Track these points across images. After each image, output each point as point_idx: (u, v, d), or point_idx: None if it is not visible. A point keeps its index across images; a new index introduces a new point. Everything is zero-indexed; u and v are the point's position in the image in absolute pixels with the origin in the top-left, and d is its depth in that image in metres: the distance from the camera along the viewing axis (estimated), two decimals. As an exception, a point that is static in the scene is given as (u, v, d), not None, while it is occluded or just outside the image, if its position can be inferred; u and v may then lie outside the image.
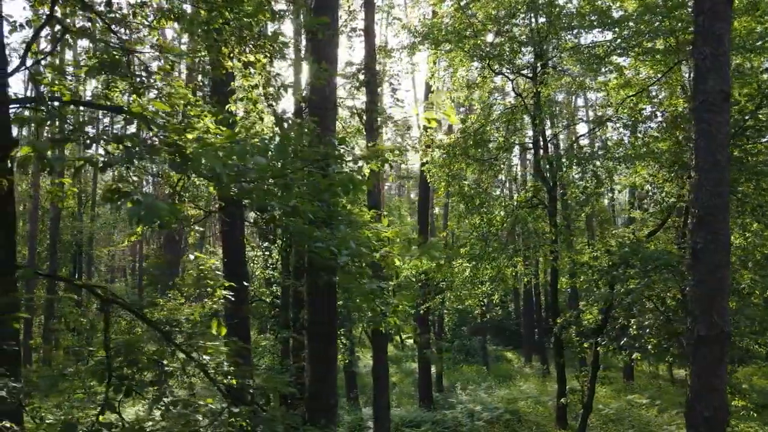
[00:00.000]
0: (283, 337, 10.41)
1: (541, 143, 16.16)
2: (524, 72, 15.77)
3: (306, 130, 4.29)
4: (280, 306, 11.69)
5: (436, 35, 13.88)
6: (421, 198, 19.91)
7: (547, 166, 15.09)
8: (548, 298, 31.97)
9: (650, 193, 12.87)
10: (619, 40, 13.78)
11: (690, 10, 13.27)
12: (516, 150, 20.08)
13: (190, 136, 3.44)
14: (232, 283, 4.43)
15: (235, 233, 7.77)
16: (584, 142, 16.24)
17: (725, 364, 6.91)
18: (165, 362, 3.67)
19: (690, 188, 12.14)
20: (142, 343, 3.64)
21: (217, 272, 4.33)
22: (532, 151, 16.66)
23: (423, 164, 16.82)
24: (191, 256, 5.14)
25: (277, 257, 12.93)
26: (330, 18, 5.76)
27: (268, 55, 5.16)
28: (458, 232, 20.80)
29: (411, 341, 33.86)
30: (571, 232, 14.57)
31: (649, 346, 10.19)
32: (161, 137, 3.40)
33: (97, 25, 6.66)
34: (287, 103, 21.25)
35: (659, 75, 14.20)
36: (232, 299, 6.44)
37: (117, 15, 6.38)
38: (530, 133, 22.44)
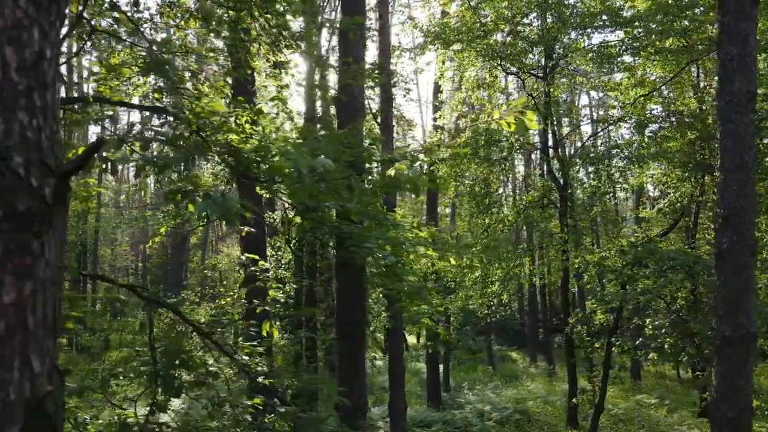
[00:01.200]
0: (297, 338, 10.42)
1: (551, 143, 16.16)
2: (534, 72, 15.78)
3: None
4: (293, 306, 11.69)
5: (448, 35, 13.87)
6: (429, 198, 19.90)
7: (557, 166, 15.10)
8: (550, 298, 31.94)
9: (663, 193, 12.84)
10: (630, 40, 13.78)
11: (702, 9, 13.33)
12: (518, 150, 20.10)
13: (234, 137, 3.43)
14: (281, 285, 4.41)
15: (256, 234, 7.75)
16: (590, 142, 16.15)
17: (750, 364, 6.91)
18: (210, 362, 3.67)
19: (716, 189, 12.19)
20: (185, 343, 3.64)
21: (267, 274, 4.33)
22: (540, 151, 16.64)
23: (431, 164, 16.82)
24: (243, 257, 5.13)
25: (289, 257, 12.94)
26: (361, 18, 5.77)
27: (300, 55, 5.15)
28: (462, 233, 20.76)
29: (413, 341, 33.92)
30: (582, 232, 14.56)
31: (666, 346, 10.18)
32: (209, 139, 3.39)
33: (123, 25, 6.66)
34: (296, 103, 21.22)
35: (670, 75, 14.21)
36: (253, 300, 6.45)
37: (144, 15, 6.38)
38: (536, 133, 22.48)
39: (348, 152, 3.67)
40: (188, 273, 30.91)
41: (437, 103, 17.74)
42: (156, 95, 4.26)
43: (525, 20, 14.36)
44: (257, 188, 3.16)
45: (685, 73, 13.95)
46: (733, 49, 6.68)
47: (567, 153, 18.46)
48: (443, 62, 16.96)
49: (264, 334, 3.89)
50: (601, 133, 16.48)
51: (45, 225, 1.92)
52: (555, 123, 14.68)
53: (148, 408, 3.40)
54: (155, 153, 3.62)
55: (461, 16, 15.25)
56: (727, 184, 6.73)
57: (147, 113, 5.71)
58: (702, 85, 15.09)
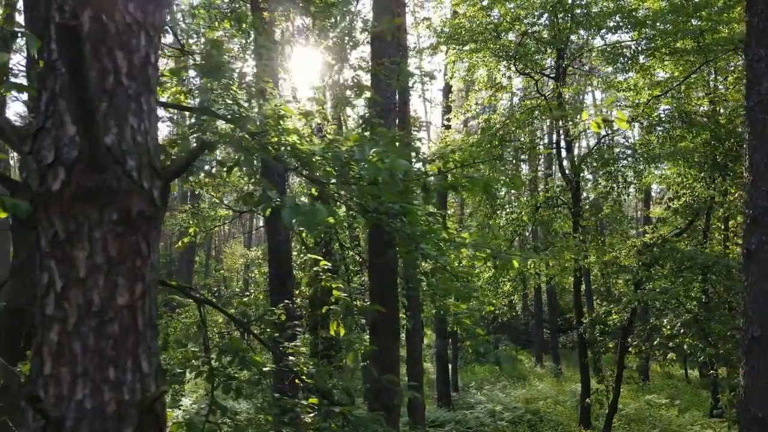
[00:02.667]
0: (315, 339, 10.43)
1: (563, 143, 16.17)
2: (546, 72, 15.80)
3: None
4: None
5: (462, 35, 13.89)
6: (439, 195, 19.91)
7: (569, 167, 15.11)
8: (554, 299, 31.93)
9: (677, 193, 12.86)
10: (644, 40, 13.80)
11: (716, 9, 13.33)
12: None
13: (292, 138, 3.45)
14: (340, 285, 4.45)
15: (279, 235, 7.77)
16: (605, 141, 16.15)
17: (779, 364, 6.93)
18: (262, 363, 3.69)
19: (732, 189, 12.26)
20: (238, 343, 3.66)
21: (325, 274, 4.34)
22: (555, 151, 16.66)
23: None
24: (306, 257, 5.12)
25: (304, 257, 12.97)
26: (400, 18, 5.81)
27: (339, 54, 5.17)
28: (474, 233, 20.76)
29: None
30: (593, 231, 14.57)
31: (685, 346, 10.19)
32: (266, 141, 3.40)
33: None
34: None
35: (682, 76, 14.22)
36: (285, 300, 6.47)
37: (176, 16, 6.40)
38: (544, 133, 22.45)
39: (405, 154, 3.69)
40: (194, 273, 30.85)
41: (449, 104, 17.76)
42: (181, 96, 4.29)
43: (538, 20, 14.36)
44: (324, 189, 3.16)
45: (697, 73, 13.96)
46: (762, 51, 6.68)
47: (578, 153, 18.48)
48: (453, 62, 16.98)
49: (332, 334, 3.90)
50: (609, 133, 16.45)
51: (152, 227, 1.94)
52: (569, 123, 14.67)
53: (205, 407, 3.41)
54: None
55: (473, 16, 15.27)
56: (756, 185, 6.73)
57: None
58: (713, 85, 15.11)
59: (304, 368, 4.07)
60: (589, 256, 14.04)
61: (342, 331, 3.88)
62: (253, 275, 16.93)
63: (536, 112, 16.03)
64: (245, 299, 8.73)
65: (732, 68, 14.97)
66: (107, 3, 1.85)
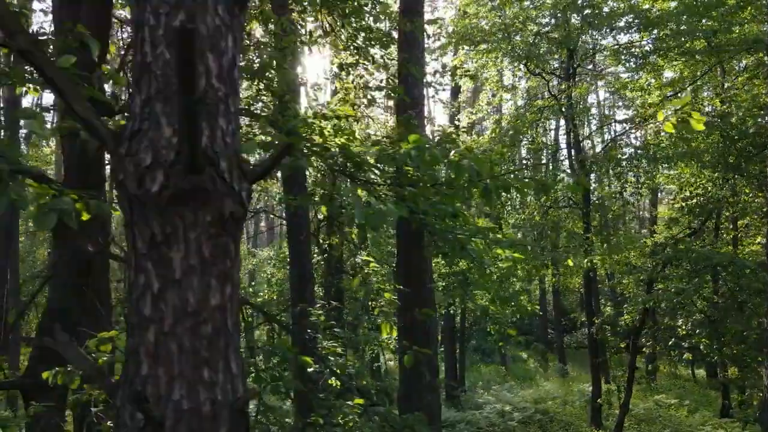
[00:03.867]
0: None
1: (573, 143, 16.19)
2: (557, 72, 15.81)
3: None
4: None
5: (475, 35, 13.90)
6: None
7: (580, 167, 15.12)
8: (558, 299, 31.92)
9: (692, 193, 12.86)
10: (656, 40, 13.81)
11: (727, 9, 13.34)
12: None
13: (339, 140, 3.45)
14: (399, 286, 4.44)
15: (300, 237, 7.79)
16: (620, 141, 16.17)
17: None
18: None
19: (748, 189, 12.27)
20: (286, 344, 3.67)
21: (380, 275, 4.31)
22: (565, 151, 16.66)
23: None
24: (358, 259, 5.11)
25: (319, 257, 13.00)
26: (421, 19, 5.81)
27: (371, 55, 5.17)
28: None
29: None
30: (608, 232, 14.59)
31: (701, 347, 10.20)
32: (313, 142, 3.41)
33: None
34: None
35: (693, 75, 14.24)
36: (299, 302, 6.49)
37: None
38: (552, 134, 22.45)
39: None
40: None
41: (459, 104, 17.77)
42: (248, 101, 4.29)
43: (551, 21, 14.38)
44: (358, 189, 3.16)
45: (709, 73, 13.98)
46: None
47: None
48: (461, 63, 16.99)
49: (384, 335, 3.92)
50: (619, 134, 16.51)
51: (239, 229, 1.96)
52: (577, 124, 14.70)
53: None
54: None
55: (484, 16, 15.29)
56: (781, 185, 6.78)
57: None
58: (726, 86, 15.11)
59: (343, 369, 4.08)
60: (598, 255, 14.05)
61: (394, 333, 3.89)
62: (265, 275, 16.94)
63: (545, 113, 16.06)
64: (260, 299, 8.73)
65: (743, 68, 14.98)
66: (199, 6, 1.86)
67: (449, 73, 15.34)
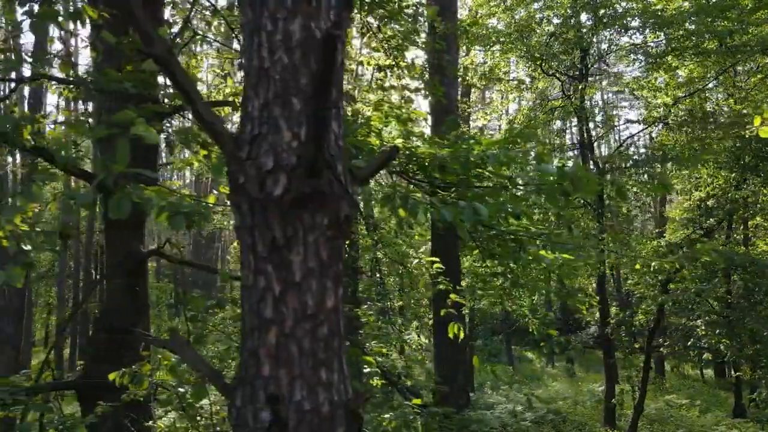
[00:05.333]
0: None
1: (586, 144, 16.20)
2: (569, 73, 15.83)
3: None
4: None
5: (490, 35, 13.92)
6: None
7: (594, 167, 15.14)
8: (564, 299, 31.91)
9: (709, 194, 12.89)
10: (670, 40, 13.83)
11: (742, 10, 13.36)
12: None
13: (398, 141, 3.47)
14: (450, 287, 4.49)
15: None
16: (635, 141, 16.24)
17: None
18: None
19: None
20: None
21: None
22: (578, 151, 16.67)
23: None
24: (422, 259, 5.15)
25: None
26: (453, 21, 5.83)
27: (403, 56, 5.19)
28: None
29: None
30: (625, 231, 14.60)
31: (722, 347, 10.22)
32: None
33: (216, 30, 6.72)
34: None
35: (707, 76, 14.27)
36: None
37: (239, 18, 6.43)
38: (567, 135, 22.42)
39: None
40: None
41: (470, 104, 17.78)
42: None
43: (566, 21, 14.39)
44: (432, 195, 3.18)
45: (724, 74, 14.00)
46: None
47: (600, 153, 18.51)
48: (471, 62, 17.00)
49: (450, 336, 3.94)
50: (633, 135, 16.56)
51: (349, 230, 1.98)
52: (592, 124, 14.73)
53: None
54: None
55: (498, 16, 15.32)
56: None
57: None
58: (740, 86, 15.12)
59: (393, 369, 4.10)
60: (612, 255, 14.06)
61: (461, 334, 3.91)
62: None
63: (556, 113, 16.08)
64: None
65: (756, 69, 15.00)
66: (314, 11, 1.88)
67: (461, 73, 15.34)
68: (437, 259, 4.05)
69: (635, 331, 13.84)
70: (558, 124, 18.20)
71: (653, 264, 12.45)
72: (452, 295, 4.09)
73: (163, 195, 1.94)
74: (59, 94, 6.79)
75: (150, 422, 4.52)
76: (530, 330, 5.02)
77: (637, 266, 12.23)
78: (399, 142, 3.55)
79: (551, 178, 2.52)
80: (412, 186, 3.52)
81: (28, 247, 1.90)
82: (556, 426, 16.82)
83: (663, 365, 23.13)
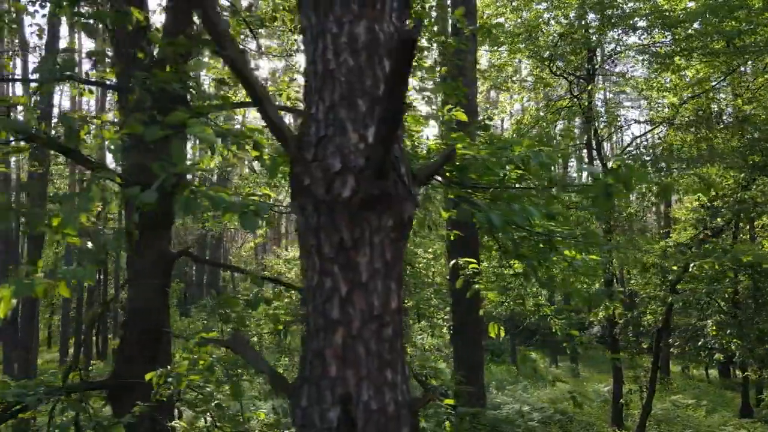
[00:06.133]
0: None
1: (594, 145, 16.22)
2: (576, 74, 15.84)
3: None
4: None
5: (498, 35, 13.92)
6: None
7: (601, 167, 15.14)
8: (568, 299, 31.95)
9: (718, 194, 12.88)
10: (679, 42, 13.84)
11: (751, 10, 13.37)
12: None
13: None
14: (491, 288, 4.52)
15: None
16: (640, 142, 16.24)
17: None
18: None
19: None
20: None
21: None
22: (585, 151, 16.68)
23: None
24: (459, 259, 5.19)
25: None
26: (473, 21, 5.85)
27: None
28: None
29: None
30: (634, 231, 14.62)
31: (733, 347, 10.22)
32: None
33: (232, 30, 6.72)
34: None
35: (714, 76, 14.27)
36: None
37: (258, 19, 6.44)
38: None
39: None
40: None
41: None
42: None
43: (576, 21, 14.40)
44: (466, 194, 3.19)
45: (733, 74, 14.01)
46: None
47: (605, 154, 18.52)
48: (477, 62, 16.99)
49: (492, 335, 3.94)
50: (642, 134, 16.56)
51: (410, 232, 1.99)
52: (602, 124, 14.74)
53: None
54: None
55: (506, 16, 15.33)
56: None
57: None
58: (747, 86, 15.12)
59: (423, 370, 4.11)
60: (620, 253, 14.07)
61: (503, 333, 3.92)
62: (291, 277, 16.98)
63: (563, 113, 16.10)
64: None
65: (764, 69, 15.00)
66: (379, 14, 1.89)
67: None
68: (473, 261, 4.05)
69: (642, 332, 13.85)
70: (559, 124, 18.21)
71: (664, 264, 12.47)
72: (490, 294, 4.09)
73: (227, 194, 1.95)
74: (80, 94, 6.81)
75: (174, 422, 4.53)
76: (553, 330, 5.02)
77: (651, 259, 12.23)
78: (435, 142, 3.55)
79: (600, 178, 2.53)
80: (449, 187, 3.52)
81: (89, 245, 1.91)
82: (563, 426, 16.83)
83: (668, 365, 23.11)
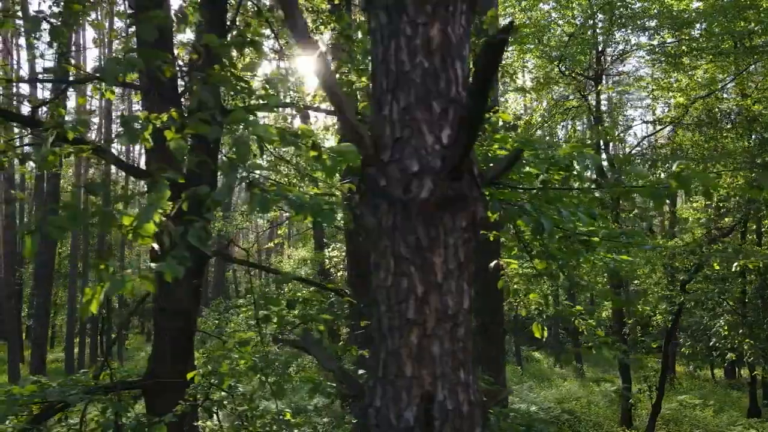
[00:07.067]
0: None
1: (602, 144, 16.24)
2: (585, 74, 15.87)
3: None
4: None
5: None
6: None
7: (608, 167, 15.16)
8: (571, 298, 32.02)
9: (728, 195, 12.92)
10: (688, 42, 13.88)
11: (761, 10, 13.38)
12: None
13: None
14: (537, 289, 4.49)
15: (360, 238, 7.83)
16: (648, 142, 16.29)
17: None
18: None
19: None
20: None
21: None
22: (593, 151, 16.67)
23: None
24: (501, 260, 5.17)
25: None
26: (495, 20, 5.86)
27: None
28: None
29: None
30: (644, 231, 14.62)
31: (745, 346, 10.24)
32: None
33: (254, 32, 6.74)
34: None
35: (723, 76, 14.30)
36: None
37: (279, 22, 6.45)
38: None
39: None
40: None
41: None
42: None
43: (586, 22, 14.44)
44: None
45: (743, 74, 14.04)
46: None
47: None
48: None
49: (537, 335, 3.96)
50: (649, 134, 16.60)
51: (480, 232, 2.00)
52: (614, 124, 14.78)
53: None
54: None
55: (515, 16, 15.35)
56: None
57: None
58: (754, 86, 15.14)
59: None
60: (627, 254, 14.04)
61: (545, 334, 3.94)
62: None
63: (570, 113, 16.13)
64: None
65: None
66: (450, 16, 1.91)
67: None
68: (514, 261, 4.07)
69: (652, 332, 13.88)
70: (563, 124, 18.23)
71: (674, 264, 12.49)
72: (532, 295, 4.10)
73: (306, 193, 1.97)
74: (101, 95, 6.82)
75: (202, 422, 4.55)
76: (580, 331, 5.02)
77: (660, 260, 12.26)
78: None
79: (649, 178, 2.54)
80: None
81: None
82: (572, 426, 16.83)
83: (674, 365, 23.12)
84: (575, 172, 3.07)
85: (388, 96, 1.90)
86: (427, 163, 1.83)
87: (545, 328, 3.92)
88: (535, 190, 3.13)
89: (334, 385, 3.50)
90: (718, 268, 11.35)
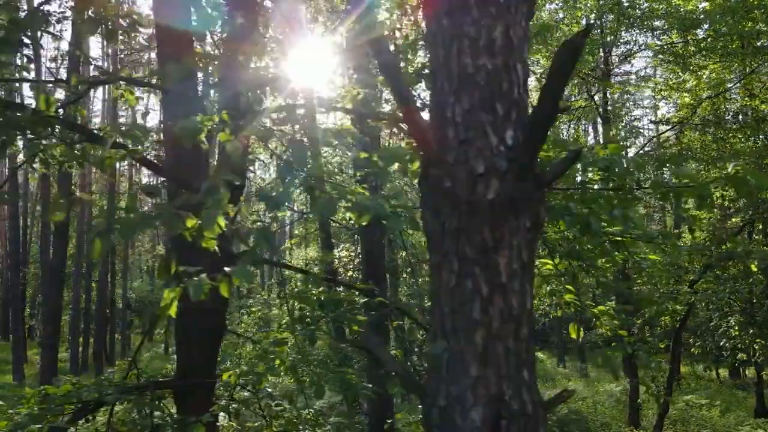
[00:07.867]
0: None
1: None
2: (592, 74, 15.88)
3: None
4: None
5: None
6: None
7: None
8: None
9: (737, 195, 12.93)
10: (696, 42, 13.89)
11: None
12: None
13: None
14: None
15: (374, 236, 7.86)
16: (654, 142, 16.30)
17: None
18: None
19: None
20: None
21: None
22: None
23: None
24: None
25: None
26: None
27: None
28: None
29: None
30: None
31: (756, 346, 10.26)
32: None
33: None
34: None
35: (730, 76, 14.32)
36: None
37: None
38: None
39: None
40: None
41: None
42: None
43: (596, 21, 14.45)
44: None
45: (752, 74, 14.05)
46: None
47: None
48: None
49: (573, 336, 3.97)
50: (657, 135, 16.62)
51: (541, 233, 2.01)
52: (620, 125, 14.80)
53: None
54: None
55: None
56: None
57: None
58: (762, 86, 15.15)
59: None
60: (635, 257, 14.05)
61: (581, 334, 3.95)
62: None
63: (577, 113, 16.16)
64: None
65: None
66: (512, 17, 1.92)
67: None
68: (549, 262, 4.08)
69: (659, 332, 13.89)
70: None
71: (684, 263, 12.49)
72: (567, 296, 4.11)
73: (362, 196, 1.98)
74: (120, 96, 6.83)
75: (225, 421, 4.56)
76: (601, 330, 5.03)
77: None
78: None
79: (693, 178, 2.56)
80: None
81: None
82: (579, 426, 16.85)
83: (679, 365, 23.12)
84: (622, 174, 3.07)
85: (451, 98, 1.92)
86: (493, 164, 1.84)
87: (581, 329, 3.92)
88: (580, 190, 3.14)
89: (370, 385, 3.51)
90: (735, 270, 11.37)
